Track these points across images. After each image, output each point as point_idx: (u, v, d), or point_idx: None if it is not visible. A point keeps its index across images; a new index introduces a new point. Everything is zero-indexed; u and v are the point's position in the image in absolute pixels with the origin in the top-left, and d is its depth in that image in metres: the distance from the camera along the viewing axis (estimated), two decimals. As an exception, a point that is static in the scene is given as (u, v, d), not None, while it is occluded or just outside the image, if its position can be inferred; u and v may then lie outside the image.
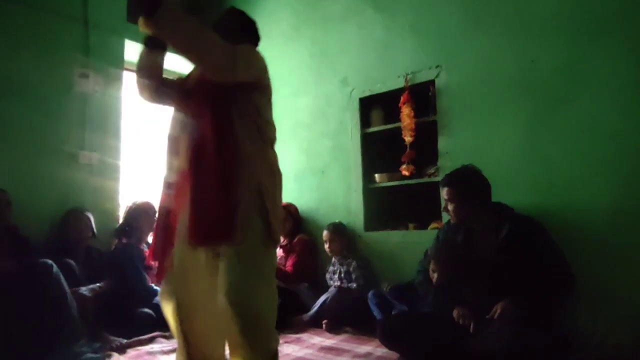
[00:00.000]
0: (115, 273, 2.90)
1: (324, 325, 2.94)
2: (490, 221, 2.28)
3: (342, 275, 3.24)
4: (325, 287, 3.27)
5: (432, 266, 2.39)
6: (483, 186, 2.30)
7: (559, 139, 2.53)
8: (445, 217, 2.59)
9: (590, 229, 2.38)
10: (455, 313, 2.22)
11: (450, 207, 2.32)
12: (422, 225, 3.10)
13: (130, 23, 3.53)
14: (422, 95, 3.09)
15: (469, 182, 2.29)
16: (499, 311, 2.09)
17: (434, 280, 2.36)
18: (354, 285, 3.14)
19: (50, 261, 2.38)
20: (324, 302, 3.06)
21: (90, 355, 2.25)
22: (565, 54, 2.52)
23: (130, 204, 3.29)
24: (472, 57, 2.86)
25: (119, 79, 3.46)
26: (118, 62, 3.47)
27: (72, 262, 2.71)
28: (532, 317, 2.02)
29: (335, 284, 3.24)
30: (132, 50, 3.60)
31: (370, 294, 2.88)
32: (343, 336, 2.79)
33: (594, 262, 2.34)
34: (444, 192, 2.36)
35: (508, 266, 2.13)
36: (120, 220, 3.29)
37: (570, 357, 2.07)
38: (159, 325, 2.63)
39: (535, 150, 2.61)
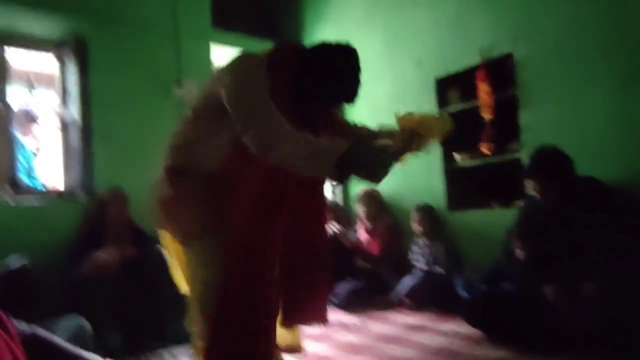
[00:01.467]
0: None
1: (405, 304, 3.03)
2: (579, 197, 2.19)
3: (429, 258, 3.27)
4: (407, 267, 3.33)
5: (517, 243, 2.35)
6: (568, 166, 2.19)
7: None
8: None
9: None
10: (549, 292, 2.17)
11: (541, 196, 2.26)
12: (506, 203, 3.03)
13: (215, 28, 3.84)
14: (500, 70, 3.00)
15: (555, 168, 2.18)
16: (591, 291, 2.02)
17: (521, 257, 2.33)
18: (441, 269, 3.16)
19: (161, 248, 2.74)
20: (412, 285, 3.12)
21: (198, 329, 2.57)
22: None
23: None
24: (551, 25, 2.70)
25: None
26: (207, 65, 3.79)
27: (179, 249, 3.08)
28: (628, 297, 1.93)
29: (421, 266, 3.28)
30: (219, 54, 3.91)
31: (457, 279, 2.90)
32: (428, 315, 2.85)
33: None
34: (529, 184, 2.28)
35: (598, 243, 2.04)
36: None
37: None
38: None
39: (629, 118, 2.43)
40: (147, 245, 2.78)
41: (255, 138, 1.30)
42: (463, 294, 2.77)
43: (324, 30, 4.22)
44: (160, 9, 3.56)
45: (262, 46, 4.05)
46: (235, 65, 1.43)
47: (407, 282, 3.15)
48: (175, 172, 1.50)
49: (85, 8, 3.17)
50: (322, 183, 1.71)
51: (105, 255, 2.52)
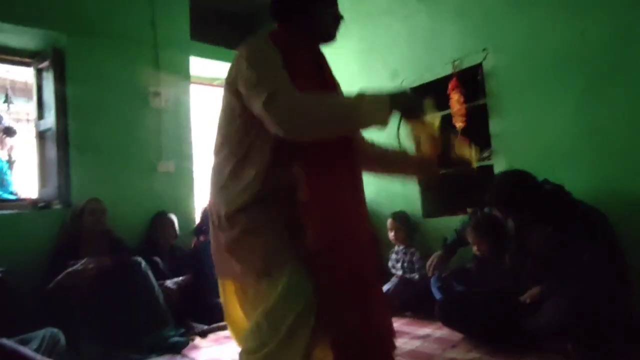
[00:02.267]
0: (196, 268, 3.22)
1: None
2: (542, 211, 2.22)
3: (405, 264, 3.33)
4: (386, 275, 3.38)
5: (473, 239, 2.47)
6: (532, 190, 2.21)
7: (616, 110, 2.43)
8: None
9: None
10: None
11: (510, 222, 2.35)
12: (481, 209, 3.10)
13: (194, 40, 3.88)
14: (472, 80, 3.10)
15: (518, 196, 2.20)
16: (530, 295, 2.16)
17: (479, 253, 2.45)
18: (416, 275, 3.21)
19: (139, 259, 2.74)
20: (387, 291, 3.16)
21: (176, 338, 2.58)
22: (619, 20, 2.42)
23: (205, 205, 3.62)
24: (518, 36, 2.82)
25: (187, 91, 3.81)
26: (185, 76, 3.82)
27: (158, 259, 3.08)
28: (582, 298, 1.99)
29: (398, 273, 3.33)
30: (197, 65, 3.95)
31: (433, 279, 2.95)
32: (404, 320, 2.90)
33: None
34: (495, 211, 2.35)
35: (549, 250, 2.13)
36: (197, 221, 3.64)
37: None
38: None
39: (592, 125, 2.53)
40: (126, 256, 2.78)
41: (281, 109, 1.16)
42: (438, 296, 2.83)
43: (302, 41, 4.29)
44: (139, 20, 3.58)
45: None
46: (243, 51, 1.32)
47: (383, 289, 3.20)
48: (232, 215, 1.32)
49: (63, 20, 3.18)
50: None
51: (81, 265, 2.51)
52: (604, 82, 2.48)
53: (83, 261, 2.55)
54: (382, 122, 1.21)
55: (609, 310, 1.91)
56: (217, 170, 1.40)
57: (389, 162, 1.63)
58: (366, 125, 1.27)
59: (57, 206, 3.11)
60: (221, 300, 1.55)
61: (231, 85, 1.32)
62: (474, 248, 2.48)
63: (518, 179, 2.25)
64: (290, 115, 1.17)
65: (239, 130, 1.33)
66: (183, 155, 3.69)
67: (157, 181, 3.50)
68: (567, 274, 2.04)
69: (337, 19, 1.48)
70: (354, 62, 3.83)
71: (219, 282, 1.54)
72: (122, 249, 2.94)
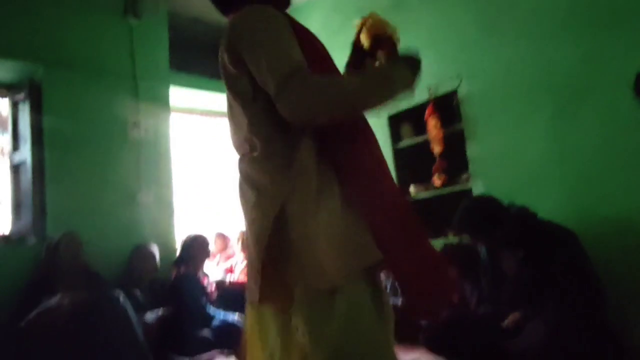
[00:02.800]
0: (176, 300, 3.14)
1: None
2: (510, 235, 2.25)
3: (388, 289, 3.31)
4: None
5: None
6: (495, 215, 2.25)
7: (585, 133, 2.52)
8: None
9: (627, 224, 2.34)
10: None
11: (479, 245, 2.39)
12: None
13: (173, 70, 3.89)
14: (448, 105, 3.17)
15: (482, 221, 2.25)
16: (511, 320, 2.18)
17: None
18: (400, 300, 3.19)
19: (118, 292, 2.66)
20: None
21: (156, 374, 2.49)
22: (583, 47, 2.53)
23: (185, 237, 3.56)
24: (490, 63, 2.92)
25: (167, 121, 3.79)
26: (165, 106, 3.80)
27: (137, 292, 3.00)
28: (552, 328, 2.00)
29: (383, 297, 3.31)
30: (177, 95, 3.95)
31: None
32: (390, 346, 2.86)
33: (636, 258, 2.28)
34: (464, 237, 2.39)
35: (521, 280, 2.16)
36: (178, 252, 3.57)
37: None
38: (216, 346, 2.87)
39: (563, 147, 2.61)
40: (103, 290, 2.70)
41: (295, 93, 0.97)
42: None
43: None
44: (117, 51, 3.58)
45: (220, 87, 4.19)
46: (248, 20, 1.08)
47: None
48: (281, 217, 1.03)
49: (40, 52, 3.16)
50: None
51: (55, 301, 2.43)
52: (572, 107, 2.57)
53: (57, 297, 2.47)
54: (410, 88, 1.12)
55: (587, 330, 1.92)
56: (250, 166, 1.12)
57: None
58: (395, 96, 1.11)
59: (31, 240, 3.02)
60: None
61: (234, 53, 1.09)
62: None
63: (480, 204, 2.30)
64: (305, 99, 0.98)
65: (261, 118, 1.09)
66: (163, 186, 3.64)
67: (136, 212, 3.44)
68: (544, 297, 2.06)
69: None
70: (333, 90, 3.87)
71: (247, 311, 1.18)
72: (99, 284, 2.86)
